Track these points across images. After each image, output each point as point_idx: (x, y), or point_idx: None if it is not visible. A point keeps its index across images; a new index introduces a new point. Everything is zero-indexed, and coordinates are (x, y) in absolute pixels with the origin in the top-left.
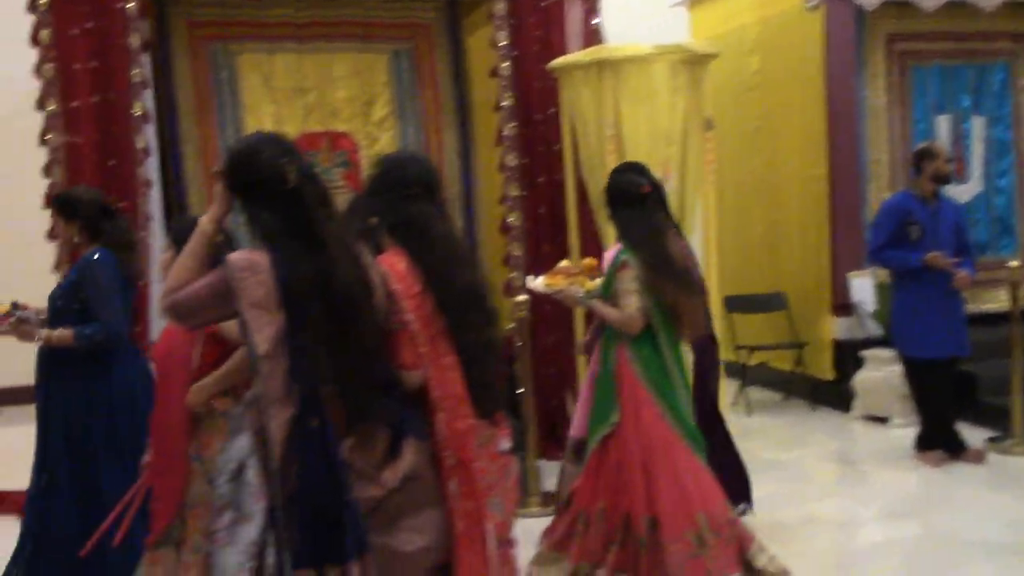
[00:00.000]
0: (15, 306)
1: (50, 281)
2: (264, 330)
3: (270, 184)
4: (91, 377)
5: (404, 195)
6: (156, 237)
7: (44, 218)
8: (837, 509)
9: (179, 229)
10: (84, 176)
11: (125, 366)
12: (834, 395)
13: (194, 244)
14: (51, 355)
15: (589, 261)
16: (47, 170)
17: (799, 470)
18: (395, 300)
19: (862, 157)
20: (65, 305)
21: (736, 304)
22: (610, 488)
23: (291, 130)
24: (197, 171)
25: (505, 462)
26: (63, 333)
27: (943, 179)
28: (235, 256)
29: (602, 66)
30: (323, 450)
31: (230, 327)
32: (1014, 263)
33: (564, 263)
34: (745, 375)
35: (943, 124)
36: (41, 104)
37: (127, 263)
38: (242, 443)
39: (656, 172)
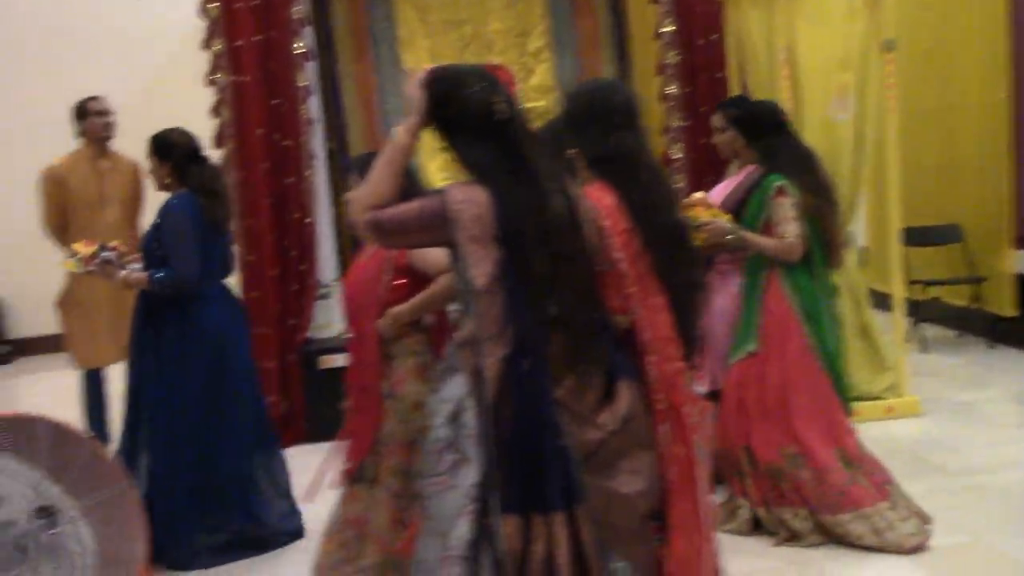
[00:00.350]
0: (102, 248)
1: None
2: (481, 264)
3: (478, 118)
4: (178, 322)
5: (608, 126)
6: (319, 175)
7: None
8: None
9: (363, 163)
10: (250, 114)
11: (212, 312)
12: (1016, 332)
13: (391, 155)
14: (144, 301)
15: (700, 194)
16: (215, 110)
17: (982, 412)
18: (604, 237)
19: None
20: (150, 248)
21: (909, 237)
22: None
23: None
24: (356, 108)
25: (704, 405)
26: (140, 276)
27: None
28: (454, 187)
29: None
30: (537, 392)
31: (422, 257)
32: None
33: (699, 195)
34: (919, 311)
35: None
36: (207, 43)
37: (212, 209)
38: (457, 384)
39: (834, 98)
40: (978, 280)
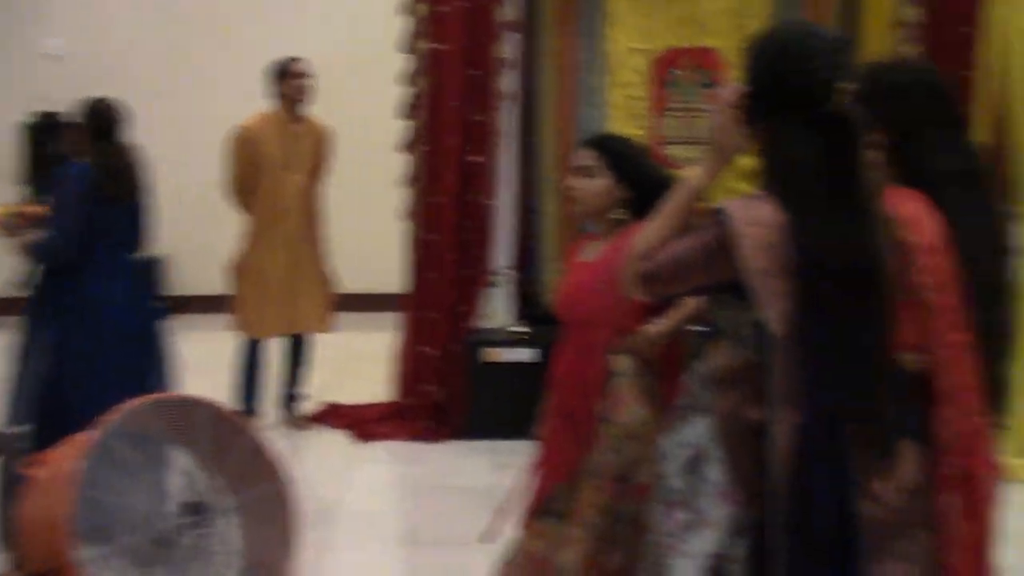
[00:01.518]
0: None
1: None
2: (777, 303)
3: (813, 105)
4: (67, 292)
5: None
6: (512, 153)
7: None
8: None
9: (616, 153)
10: (447, 85)
11: (98, 285)
12: None
13: (681, 199)
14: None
15: None
16: (411, 79)
17: None
18: (907, 255)
19: None
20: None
21: None
22: None
23: (655, 46)
24: (552, 86)
25: (997, 473)
26: (30, 236)
27: None
28: (736, 205)
29: None
30: (837, 469)
31: None
32: None
33: None
34: None
35: None
36: (411, 8)
37: (108, 185)
38: (700, 426)
39: None
40: None
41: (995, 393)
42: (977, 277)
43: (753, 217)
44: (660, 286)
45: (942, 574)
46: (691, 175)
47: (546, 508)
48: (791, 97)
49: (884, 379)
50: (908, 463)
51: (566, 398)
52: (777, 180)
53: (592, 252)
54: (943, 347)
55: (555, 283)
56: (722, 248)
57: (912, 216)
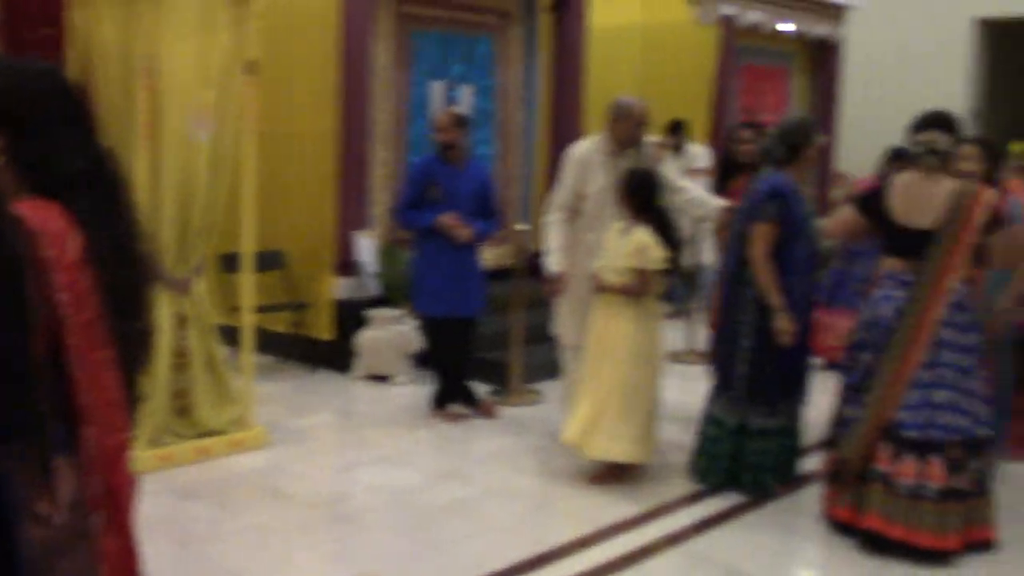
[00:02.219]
0: None
1: None
2: None
3: None
4: None
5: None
6: None
7: None
8: (385, 474)
9: None
10: None
11: None
12: (334, 356)
13: None
14: None
15: None
16: None
17: (320, 437)
18: (44, 271)
19: (370, 115)
20: None
21: (227, 263)
22: None
23: None
24: None
25: (136, 488)
26: None
27: (446, 146)
28: None
29: None
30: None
31: None
32: (519, 226)
33: None
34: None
35: (436, 90)
36: None
37: None
38: None
39: (192, 115)
40: (300, 306)
41: (134, 404)
42: (113, 287)
43: None
44: None
45: None
46: None
47: None
48: None
49: (36, 394)
50: (65, 480)
51: None
52: None
53: None
54: (85, 365)
55: None
56: None
57: (50, 230)
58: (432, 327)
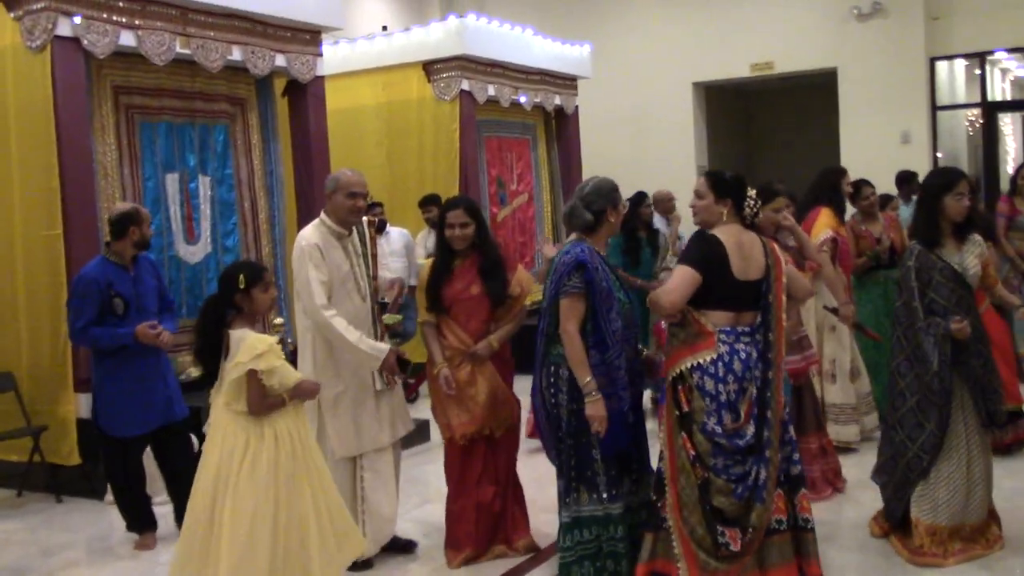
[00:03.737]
0: None
1: None
2: None
3: None
4: None
5: None
6: None
7: None
8: None
9: None
10: None
11: None
12: (83, 481)
13: None
14: None
15: None
16: None
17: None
18: None
19: (100, 214)
20: None
21: None
22: None
23: None
24: None
25: None
26: None
27: (146, 244)
28: None
29: None
30: None
31: None
32: (278, 320)
33: None
34: None
35: (172, 183)
36: None
37: None
38: None
39: None
40: (38, 431)
41: None
42: None
43: None
44: None
45: None
46: None
47: None
48: None
49: None
50: None
51: None
52: None
53: None
54: None
55: None
56: None
57: None
58: (126, 448)
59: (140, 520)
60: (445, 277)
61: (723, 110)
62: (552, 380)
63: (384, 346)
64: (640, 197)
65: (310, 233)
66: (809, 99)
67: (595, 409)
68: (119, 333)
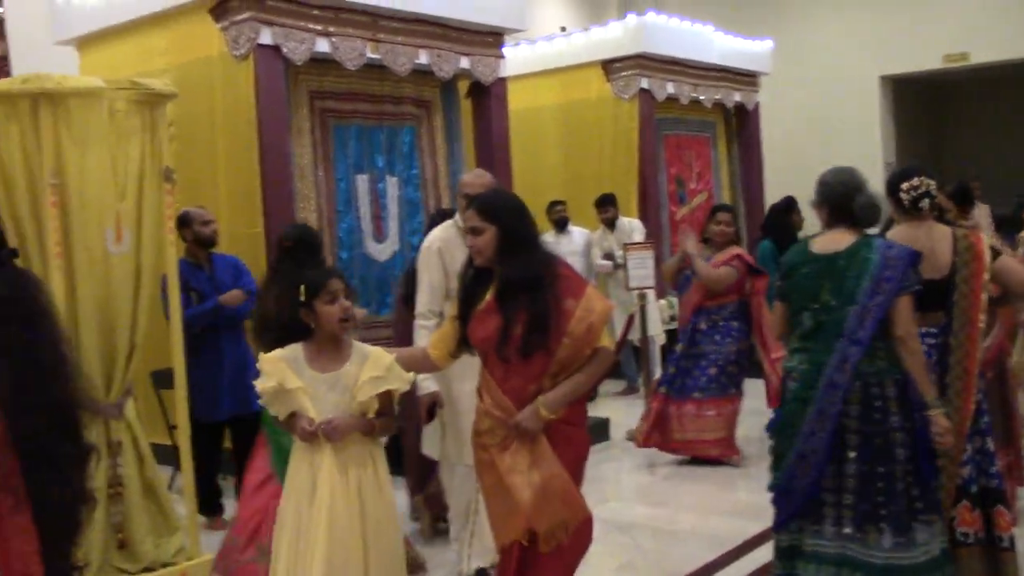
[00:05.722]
0: None
1: None
2: None
3: None
4: None
5: None
6: None
7: None
8: None
9: None
10: None
11: None
12: None
13: None
14: None
15: None
16: None
17: None
18: None
19: (296, 216)
20: None
21: (162, 379)
22: None
23: None
24: None
25: None
26: None
27: (207, 241)
28: None
29: (38, 99)
30: None
31: None
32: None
33: None
34: None
35: (362, 183)
36: None
37: None
38: None
39: (109, 229)
40: None
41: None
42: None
43: None
44: None
45: None
46: None
47: None
48: None
49: None
50: None
51: None
52: None
53: None
54: None
55: None
56: None
57: None
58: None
59: (209, 504)
60: (472, 308)
61: (912, 105)
62: (879, 404)
63: (428, 387)
64: (790, 203)
65: (436, 233)
66: (1009, 93)
67: (944, 421)
68: (206, 307)
